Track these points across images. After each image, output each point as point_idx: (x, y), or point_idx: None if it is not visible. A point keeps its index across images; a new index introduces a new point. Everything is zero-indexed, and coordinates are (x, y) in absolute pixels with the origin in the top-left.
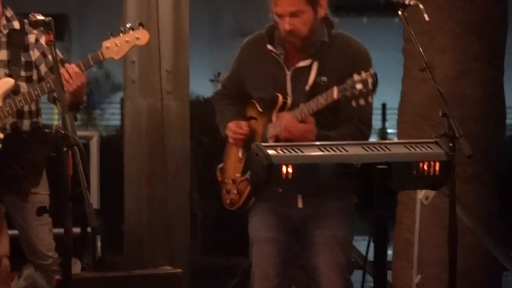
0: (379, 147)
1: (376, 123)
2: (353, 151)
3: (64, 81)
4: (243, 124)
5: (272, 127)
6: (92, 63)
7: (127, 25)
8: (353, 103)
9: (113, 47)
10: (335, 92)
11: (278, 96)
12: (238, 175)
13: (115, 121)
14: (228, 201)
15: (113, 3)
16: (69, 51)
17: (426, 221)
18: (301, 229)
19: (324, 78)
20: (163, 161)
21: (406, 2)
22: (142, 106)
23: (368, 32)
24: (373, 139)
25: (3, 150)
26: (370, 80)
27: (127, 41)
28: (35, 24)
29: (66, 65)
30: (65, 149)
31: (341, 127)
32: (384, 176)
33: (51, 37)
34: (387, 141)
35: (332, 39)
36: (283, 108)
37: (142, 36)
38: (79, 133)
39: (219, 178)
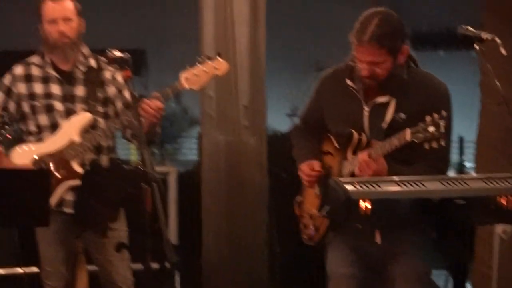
0: (457, 182)
1: (454, 156)
2: (431, 186)
3: (146, 114)
4: (316, 164)
5: (348, 164)
6: (171, 95)
7: (205, 56)
8: (426, 146)
9: (192, 78)
10: (407, 134)
11: (353, 133)
12: (315, 210)
13: (193, 156)
14: (305, 236)
15: (190, 38)
16: (146, 86)
17: (505, 256)
18: (379, 264)
19: (402, 115)
20: (241, 196)
21: (483, 36)
22: (219, 142)
23: (444, 65)
24: (450, 173)
25: (82, 186)
26: (442, 123)
27: (205, 72)
28: (113, 61)
29: (146, 100)
30: (144, 185)
31: (417, 164)
32: (462, 211)
33: (129, 73)
34: (465, 176)
35: (411, 76)
36: (358, 145)
37: (220, 66)
38: (157, 168)
39: (297, 212)
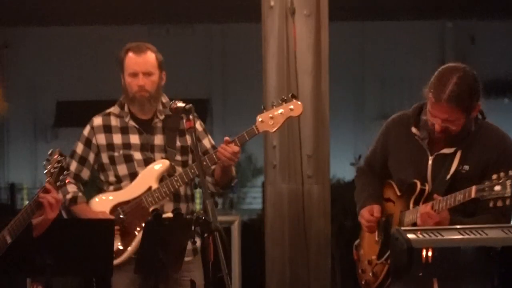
0: None
1: None
2: (493, 234)
3: (223, 159)
4: (376, 209)
5: (409, 214)
6: (247, 138)
7: (281, 98)
8: (491, 204)
9: (267, 120)
10: (473, 192)
11: (416, 183)
12: (374, 257)
13: (257, 204)
14: (363, 282)
15: (253, 86)
16: (211, 133)
17: None
18: None
19: (466, 167)
20: (305, 245)
21: None
22: (283, 191)
23: (509, 113)
24: None
25: (145, 236)
26: (509, 183)
27: (281, 113)
28: (176, 111)
29: (223, 145)
30: (206, 235)
31: (479, 217)
32: None
33: (192, 123)
34: None
35: (478, 128)
36: (421, 195)
37: (296, 107)
38: (221, 217)
39: (355, 257)
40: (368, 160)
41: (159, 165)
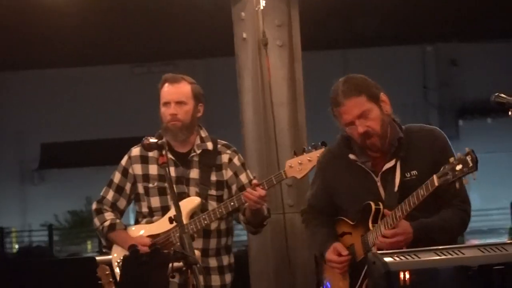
0: (496, 248)
1: (506, 222)
2: (469, 253)
3: (249, 202)
4: (339, 247)
5: (371, 234)
6: (275, 183)
7: (311, 145)
8: (457, 185)
9: (296, 166)
10: (435, 180)
11: (370, 204)
12: None
13: (244, 236)
14: None
15: (235, 118)
16: None
17: None
18: None
19: (414, 172)
20: (290, 276)
21: None
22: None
23: (492, 132)
24: (503, 238)
25: (124, 276)
26: (469, 158)
27: (309, 160)
28: (149, 147)
29: (249, 189)
30: (184, 268)
31: (443, 211)
32: (502, 277)
33: (165, 158)
34: (503, 242)
35: (407, 134)
36: (377, 213)
37: (313, 157)
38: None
39: None
40: (312, 203)
41: (190, 202)
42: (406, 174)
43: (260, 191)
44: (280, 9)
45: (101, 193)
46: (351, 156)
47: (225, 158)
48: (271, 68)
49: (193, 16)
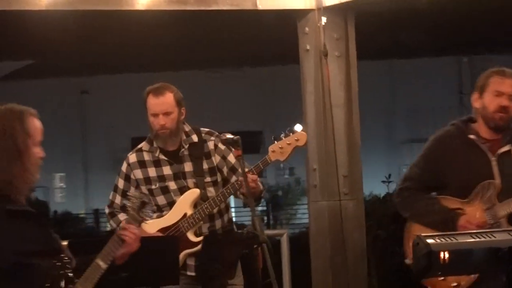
0: None
1: None
2: (500, 237)
3: (248, 186)
4: (479, 214)
5: (502, 207)
6: (262, 167)
7: (288, 129)
8: None
9: (277, 150)
10: None
11: (492, 183)
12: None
13: (306, 219)
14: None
15: (298, 119)
16: None
17: None
18: None
19: None
20: (343, 254)
21: None
22: (323, 207)
23: None
24: None
25: (202, 251)
26: None
27: (288, 144)
28: (225, 142)
29: (248, 175)
30: (255, 246)
31: None
32: None
33: (240, 152)
34: None
35: None
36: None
37: (300, 137)
38: (271, 232)
39: None
40: (417, 178)
41: (191, 194)
42: None
43: (252, 176)
44: (338, 24)
45: (110, 198)
46: (471, 136)
47: (211, 145)
48: (330, 75)
49: (263, 29)
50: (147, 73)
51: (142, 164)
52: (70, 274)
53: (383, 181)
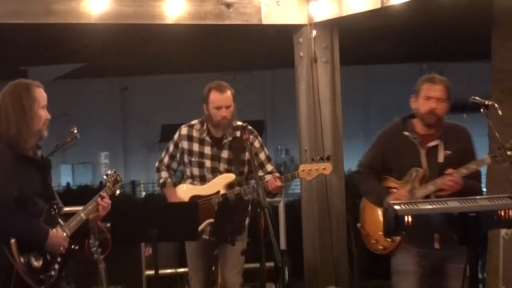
0: (471, 201)
1: None
2: (452, 204)
3: (273, 186)
4: (403, 195)
5: (420, 190)
6: (290, 179)
7: (321, 157)
8: (506, 164)
9: (306, 171)
10: (488, 159)
11: (419, 170)
12: (380, 233)
13: (299, 190)
14: (381, 247)
15: (293, 111)
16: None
17: (506, 249)
18: (438, 264)
19: (448, 152)
20: (328, 217)
21: (486, 103)
22: (312, 181)
23: (467, 124)
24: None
25: (218, 213)
26: None
27: (316, 169)
28: (236, 127)
29: (272, 179)
30: (258, 210)
31: (473, 181)
32: (475, 221)
33: (247, 136)
34: (476, 197)
35: (447, 125)
36: (422, 177)
37: (328, 168)
38: (272, 199)
39: (364, 233)
40: (367, 164)
41: (228, 177)
42: (446, 152)
43: (278, 183)
44: (325, 37)
45: (161, 156)
46: (405, 133)
47: (250, 138)
48: (318, 77)
49: (266, 40)
50: (174, 74)
51: (190, 138)
52: (59, 218)
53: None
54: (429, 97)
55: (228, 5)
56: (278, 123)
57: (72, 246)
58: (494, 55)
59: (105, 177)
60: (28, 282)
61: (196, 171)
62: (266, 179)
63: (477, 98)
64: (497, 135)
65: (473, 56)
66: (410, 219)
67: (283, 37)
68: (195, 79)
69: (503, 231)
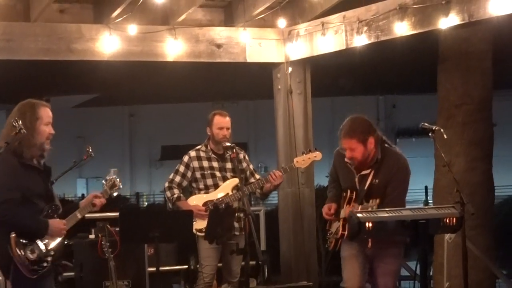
0: (421, 210)
1: (422, 197)
2: (406, 213)
3: (273, 182)
4: (333, 206)
5: (342, 211)
6: (288, 170)
7: (310, 149)
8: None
9: (300, 161)
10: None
11: (347, 192)
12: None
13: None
14: (331, 245)
15: (272, 134)
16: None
17: (450, 251)
18: (369, 261)
19: (376, 181)
20: (301, 223)
21: (434, 128)
22: (288, 193)
23: (415, 147)
24: (420, 205)
25: (210, 219)
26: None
27: (309, 158)
28: (226, 148)
29: (274, 172)
30: (243, 216)
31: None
32: (425, 226)
33: (235, 155)
34: (426, 207)
35: (384, 155)
36: (351, 198)
37: (317, 155)
38: (253, 208)
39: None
40: (331, 177)
41: (233, 181)
42: (374, 180)
43: (279, 173)
44: (299, 72)
45: (170, 177)
46: (346, 160)
47: (241, 156)
48: (294, 106)
49: (250, 75)
50: (172, 104)
51: (199, 158)
52: (56, 217)
53: (326, 176)
54: (344, 149)
55: (219, 46)
56: (259, 145)
57: (66, 242)
58: (439, 87)
59: (104, 181)
60: (23, 271)
61: (210, 181)
62: (268, 173)
63: (426, 124)
64: (442, 155)
65: (422, 89)
66: (370, 224)
67: (264, 72)
68: (190, 108)
69: (447, 236)
